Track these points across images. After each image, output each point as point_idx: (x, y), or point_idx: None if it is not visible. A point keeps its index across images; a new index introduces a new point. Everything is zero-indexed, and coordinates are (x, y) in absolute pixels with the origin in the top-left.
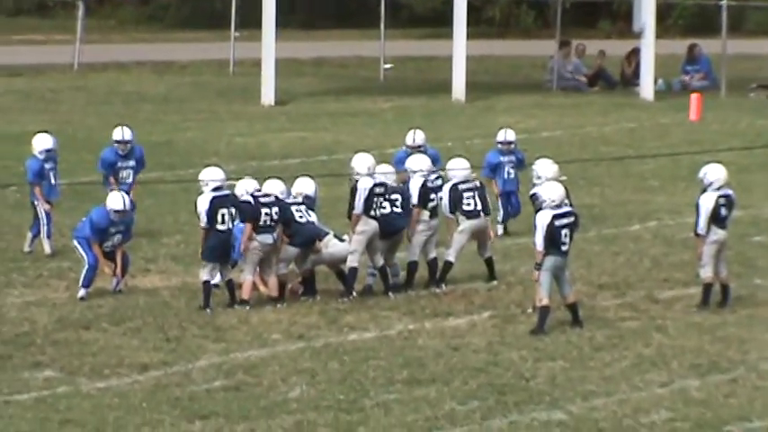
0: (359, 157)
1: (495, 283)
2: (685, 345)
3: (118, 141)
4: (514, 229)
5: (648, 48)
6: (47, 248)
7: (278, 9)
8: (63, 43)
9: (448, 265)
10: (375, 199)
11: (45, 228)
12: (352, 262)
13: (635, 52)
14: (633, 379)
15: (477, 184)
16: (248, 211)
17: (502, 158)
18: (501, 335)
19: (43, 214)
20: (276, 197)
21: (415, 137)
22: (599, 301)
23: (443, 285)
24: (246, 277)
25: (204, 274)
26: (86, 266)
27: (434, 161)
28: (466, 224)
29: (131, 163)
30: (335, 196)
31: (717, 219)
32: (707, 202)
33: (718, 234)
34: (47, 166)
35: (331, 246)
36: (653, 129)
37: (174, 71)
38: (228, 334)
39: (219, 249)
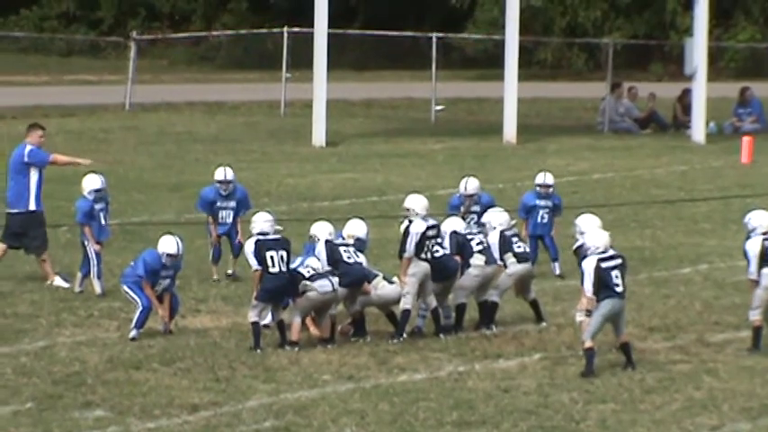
0: (414, 197)
1: (544, 324)
2: (736, 388)
3: (220, 181)
4: (564, 271)
5: (700, 91)
6: (97, 289)
7: (329, 50)
8: (115, 83)
9: (494, 305)
10: (427, 242)
11: (95, 268)
12: (405, 304)
13: (686, 93)
14: (684, 422)
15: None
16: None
17: (538, 201)
18: (551, 377)
19: (93, 254)
20: (327, 241)
21: (467, 185)
22: (650, 344)
23: (494, 327)
24: (295, 319)
25: (253, 315)
26: (140, 308)
27: (490, 206)
28: (517, 267)
29: (232, 204)
30: (385, 238)
31: (767, 262)
32: (753, 246)
33: None
34: (97, 206)
35: (380, 288)
36: (704, 171)
37: (225, 112)
38: (278, 374)
39: (273, 291)
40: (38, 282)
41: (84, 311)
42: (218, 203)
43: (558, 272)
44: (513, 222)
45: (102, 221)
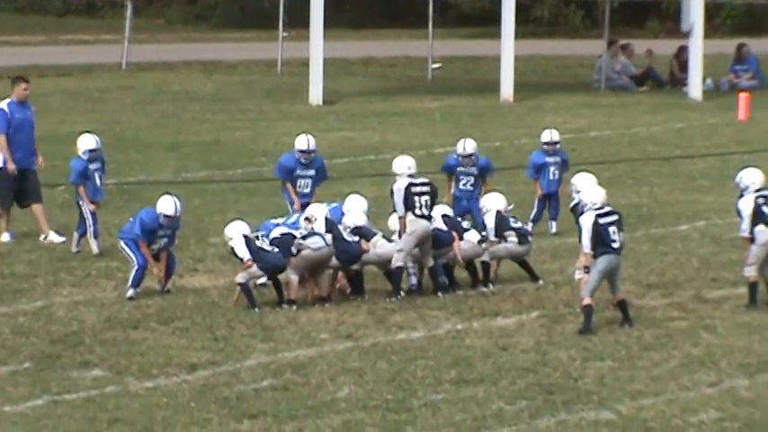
0: (396, 160)
1: (540, 282)
2: (734, 344)
3: (302, 151)
4: (561, 229)
5: (697, 47)
6: (94, 248)
7: (326, 8)
8: (111, 43)
9: (486, 265)
10: (416, 198)
11: (92, 228)
12: (397, 261)
13: (683, 50)
14: (682, 379)
15: None
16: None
17: (547, 159)
18: (549, 334)
19: (89, 214)
20: (326, 217)
21: (466, 145)
22: (647, 301)
23: (491, 285)
24: (292, 277)
25: (241, 277)
26: (135, 267)
27: (487, 169)
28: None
29: (311, 172)
30: (383, 196)
31: (762, 219)
32: (746, 204)
33: None
34: (91, 166)
35: (379, 246)
36: (701, 128)
37: (221, 71)
38: (276, 333)
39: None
40: (35, 241)
41: (81, 271)
42: (298, 171)
43: (554, 230)
44: (511, 206)
45: (98, 182)
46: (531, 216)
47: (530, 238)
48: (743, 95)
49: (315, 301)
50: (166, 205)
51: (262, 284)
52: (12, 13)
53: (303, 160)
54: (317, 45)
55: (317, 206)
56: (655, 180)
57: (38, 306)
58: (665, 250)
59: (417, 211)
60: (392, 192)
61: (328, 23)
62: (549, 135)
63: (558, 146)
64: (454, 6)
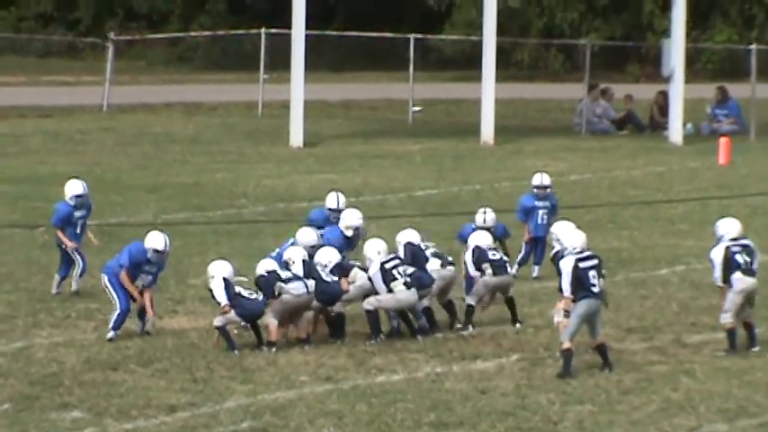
0: (368, 243)
1: (519, 326)
2: (713, 389)
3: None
4: (542, 274)
5: (677, 92)
6: (74, 286)
7: (307, 51)
8: (92, 84)
9: (470, 308)
10: (394, 272)
11: (80, 267)
12: (368, 305)
13: (662, 95)
14: (661, 423)
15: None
16: (265, 287)
17: (536, 203)
18: (529, 378)
19: (76, 255)
20: (303, 260)
21: (486, 217)
22: (627, 345)
23: (471, 327)
24: (271, 321)
25: (218, 321)
26: (117, 311)
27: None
28: (495, 278)
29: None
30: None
31: (738, 267)
32: (717, 254)
33: (746, 282)
34: (77, 213)
35: (359, 278)
36: (682, 173)
37: (202, 112)
38: (256, 375)
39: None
40: (15, 282)
41: (61, 312)
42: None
43: (536, 274)
44: (495, 245)
45: (78, 230)
46: (519, 259)
47: (509, 270)
48: (723, 140)
49: (295, 342)
50: (156, 240)
51: (243, 326)
52: None
53: (333, 219)
54: (297, 87)
55: (294, 249)
56: (635, 224)
57: (17, 347)
58: (644, 294)
59: (399, 286)
60: (369, 279)
61: (309, 66)
62: (540, 179)
63: (548, 190)
64: (435, 50)
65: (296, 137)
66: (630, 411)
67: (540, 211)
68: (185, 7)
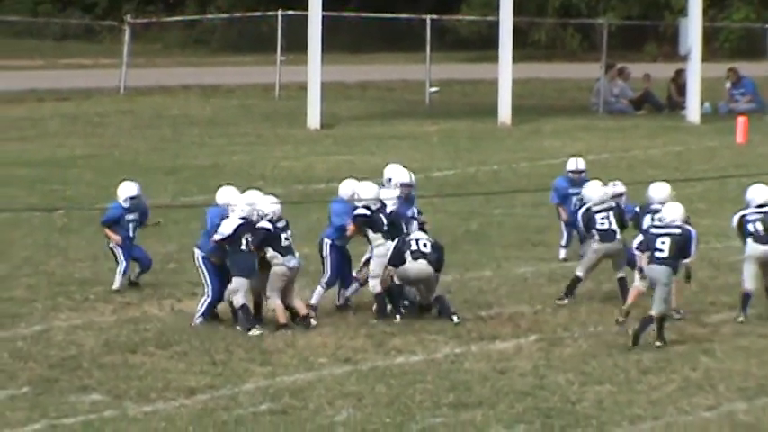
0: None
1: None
2: (732, 368)
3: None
4: (568, 256)
5: (695, 71)
6: (116, 283)
7: (323, 33)
8: (109, 67)
9: (576, 279)
10: (375, 216)
11: (123, 264)
12: (374, 288)
13: (680, 74)
14: (680, 402)
15: (613, 204)
16: (263, 238)
17: (570, 190)
18: (547, 358)
19: (119, 250)
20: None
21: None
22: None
23: (571, 296)
24: (276, 302)
25: (240, 298)
26: (208, 298)
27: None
28: (600, 245)
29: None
30: None
31: (749, 234)
32: (734, 220)
33: (757, 250)
34: (129, 216)
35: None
36: (699, 152)
37: (220, 95)
38: (275, 357)
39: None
40: (34, 265)
41: (79, 295)
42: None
43: (563, 256)
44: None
45: (131, 233)
46: (563, 242)
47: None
48: (741, 119)
49: (299, 322)
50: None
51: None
52: (10, 38)
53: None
54: (314, 69)
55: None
56: None
57: (36, 330)
58: None
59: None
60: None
61: (326, 47)
62: (575, 164)
63: (583, 174)
64: (452, 30)
65: (313, 118)
66: (650, 391)
67: (574, 198)
68: None
